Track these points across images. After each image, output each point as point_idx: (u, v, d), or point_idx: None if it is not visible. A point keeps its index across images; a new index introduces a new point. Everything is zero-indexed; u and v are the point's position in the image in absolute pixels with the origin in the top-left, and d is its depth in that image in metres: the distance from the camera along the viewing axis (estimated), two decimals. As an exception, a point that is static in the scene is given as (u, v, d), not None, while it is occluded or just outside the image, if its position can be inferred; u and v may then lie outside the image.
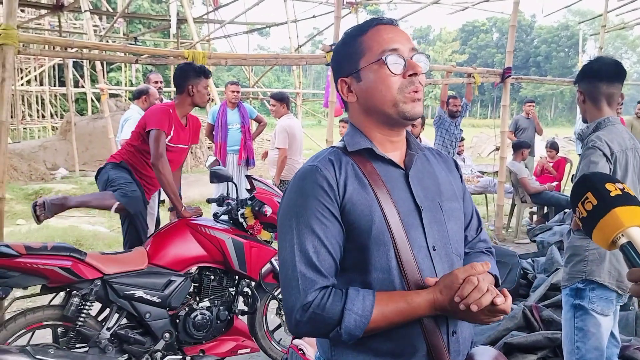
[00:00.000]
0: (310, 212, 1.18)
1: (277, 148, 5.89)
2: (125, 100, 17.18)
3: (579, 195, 1.06)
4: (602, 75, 2.39)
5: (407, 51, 1.23)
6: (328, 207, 1.19)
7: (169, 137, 3.56)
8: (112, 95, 18.19)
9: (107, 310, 2.97)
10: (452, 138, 7.12)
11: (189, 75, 3.56)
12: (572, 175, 2.56)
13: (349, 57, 1.26)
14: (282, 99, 6.19)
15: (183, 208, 3.38)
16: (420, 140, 5.24)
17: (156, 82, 6.05)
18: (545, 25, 62.27)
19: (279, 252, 1.23)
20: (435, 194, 1.29)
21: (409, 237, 1.20)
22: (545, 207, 7.53)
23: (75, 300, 2.78)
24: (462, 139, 8.44)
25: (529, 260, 5.17)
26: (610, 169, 2.28)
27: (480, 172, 9.58)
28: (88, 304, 2.82)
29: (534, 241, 6.16)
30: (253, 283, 3.41)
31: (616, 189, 1.02)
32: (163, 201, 6.21)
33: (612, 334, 2.58)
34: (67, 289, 2.85)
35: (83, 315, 2.80)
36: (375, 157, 1.27)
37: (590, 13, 26.89)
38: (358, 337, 1.14)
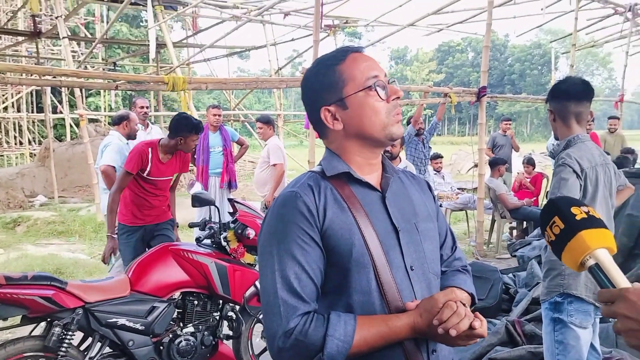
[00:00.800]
0: (291, 239, 1.20)
1: (274, 165, 5.99)
2: (105, 125, 17.05)
3: (547, 219, 1.10)
4: (571, 95, 2.49)
5: (383, 77, 1.29)
6: (309, 232, 1.21)
7: (147, 171, 3.93)
8: (91, 121, 18.06)
9: (90, 340, 2.94)
10: (420, 156, 7.22)
11: (183, 129, 3.87)
12: (547, 192, 2.64)
13: (330, 86, 1.29)
14: (268, 122, 6.40)
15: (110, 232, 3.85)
16: (400, 160, 5.31)
17: (142, 107, 6.04)
18: (519, 44, 63.70)
19: (260, 278, 1.24)
20: (411, 215, 1.33)
21: (387, 258, 1.23)
22: (525, 222, 7.63)
23: (57, 330, 2.74)
24: (440, 156, 8.56)
25: (511, 275, 5.23)
26: (580, 185, 2.36)
27: (459, 188, 9.70)
28: (70, 333, 2.78)
29: (515, 256, 6.23)
30: (237, 307, 3.41)
31: (581, 213, 1.05)
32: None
33: (592, 346, 2.62)
34: (48, 319, 2.81)
35: (65, 345, 2.76)
36: (353, 181, 1.30)
37: (561, 32, 27.63)
38: None
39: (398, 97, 1.30)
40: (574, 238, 1.02)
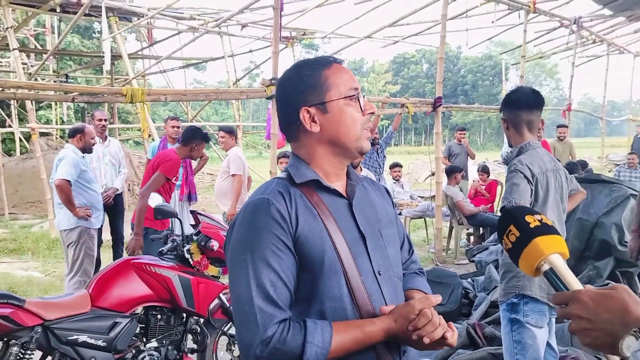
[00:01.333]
0: (265, 246, 1.20)
1: (233, 175, 5.93)
2: (57, 139, 16.55)
3: (504, 228, 1.15)
4: (522, 104, 2.61)
5: (359, 92, 1.35)
6: (282, 239, 1.21)
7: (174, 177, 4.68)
8: (42, 134, 17.47)
9: (49, 358, 2.85)
10: (375, 165, 7.33)
11: (196, 137, 4.58)
12: (501, 198, 2.74)
13: (314, 88, 1.31)
14: (231, 132, 6.45)
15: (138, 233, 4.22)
16: (361, 170, 5.39)
17: (100, 120, 5.93)
18: (471, 55, 65.54)
19: (233, 288, 1.23)
20: (375, 221, 1.37)
21: (357, 264, 1.26)
22: (481, 228, 7.84)
23: (15, 349, 2.67)
24: (399, 165, 8.71)
25: (469, 280, 5.36)
26: (531, 189, 2.47)
27: (419, 196, 9.88)
28: (28, 352, 2.71)
29: (473, 261, 6.38)
30: (202, 320, 3.37)
31: (535, 221, 1.11)
32: (102, 242, 6.02)
33: (549, 345, 2.73)
34: (5, 339, 2.72)
35: (23, 365, 2.68)
36: (321, 188, 1.32)
37: (510, 44, 28.56)
38: None
39: (372, 113, 1.35)
40: (529, 245, 1.07)
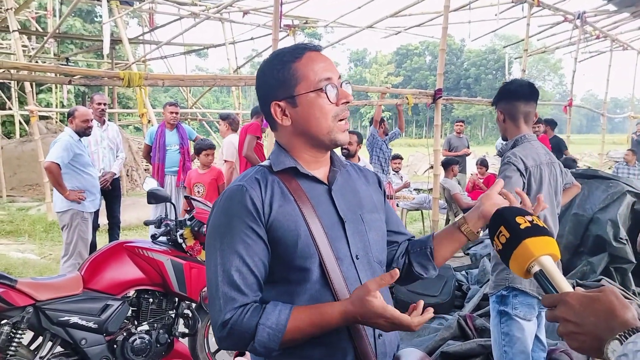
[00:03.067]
0: (235, 233, 1.23)
1: (225, 161, 6.02)
2: (56, 122, 16.53)
3: (494, 229, 1.14)
4: (520, 95, 2.59)
5: (336, 79, 1.32)
6: (252, 226, 1.24)
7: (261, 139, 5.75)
8: (42, 118, 17.44)
9: (40, 339, 2.86)
10: (385, 156, 7.34)
11: (258, 112, 5.74)
12: None
13: (283, 82, 1.30)
14: (226, 118, 6.66)
15: None
16: (359, 160, 5.37)
17: (99, 104, 5.90)
18: (474, 49, 65.27)
19: (206, 271, 1.27)
20: (356, 207, 1.37)
21: (333, 248, 1.27)
22: (478, 222, 7.83)
23: (5, 329, 2.67)
24: (400, 157, 8.72)
25: (463, 272, 5.38)
26: (523, 182, 2.46)
27: (416, 189, 9.88)
28: (19, 332, 2.71)
29: (467, 254, 6.40)
30: (194, 304, 3.38)
31: (525, 222, 1.10)
32: (99, 225, 6.03)
33: (538, 339, 2.74)
34: (-4, 318, 2.73)
35: (14, 344, 2.69)
36: (299, 175, 1.33)
37: (514, 37, 28.48)
38: (274, 349, 1.19)
39: (347, 102, 1.32)
40: (519, 246, 1.06)
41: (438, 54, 7.30)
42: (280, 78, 1.31)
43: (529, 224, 1.09)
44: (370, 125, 7.53)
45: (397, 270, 1.17)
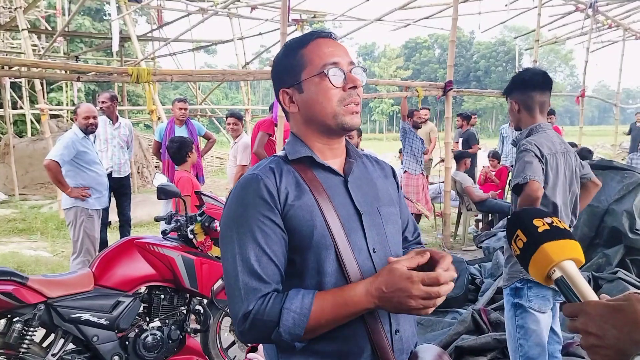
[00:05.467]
0: (252, 221, 1.20)
1: (244, 165, 6.10)
2: (67, 121, 16.61)
3: (511, 233, 1.07)
4: (535, 85, 2.53)
5: (346, 65, 1.28)
6: (269, 215, 1.21)
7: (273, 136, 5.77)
8: (53, 116, 17.54)
9: (52, 336, 2.86)
10: (418, 148, 7.31)
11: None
12: (509, 181, 2.66)
13: (291, 69, 1.30)
14: (240, 118, 6.62)
15: None
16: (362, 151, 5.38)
17: (102, 102, 5.91)
18: (484, 41, 64.79)
19: (223, 262, 1.24)
20: (373, 199, 1.34)
21: (350, 240, 1.24)
22: (490, 214, 7.77)
23: (18, 326, 2.66)
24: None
25: (477, 266, 5.32)
26: (542, 168, 2.40)
27: (430, 183, 9.81)
28: (31, 329, 2.70)
29: (480, 247, 6.34)
30: (205, 300, 3.37)
31: (544, 224, 1.02)
32: (110, 223, 6.04)
33: (553, 331, 2.69)
34: (9, 316, 2.73)
35: (26, 341, 2.69)
36: (315, 165, 1.30)
37: (525, 29, 28.16)
38: (300, 336, 1.15)
39: (355, 87, 1.28)
40: (537, 251, 1.00)
41: (447, 46, 7.23)
42: (287, 65, 1.31)
43: (547, 227, 1.02)
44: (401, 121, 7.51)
45: (428, 254, 1.14)
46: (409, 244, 1.50)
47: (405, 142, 7.32)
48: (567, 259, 0.98)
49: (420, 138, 7.45)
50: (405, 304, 1.10)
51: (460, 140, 9.02)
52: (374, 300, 1.13)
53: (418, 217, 7.27)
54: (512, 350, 2.57)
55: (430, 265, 1.16)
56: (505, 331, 2.80)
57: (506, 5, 10.90)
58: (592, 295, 0.93)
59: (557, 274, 0.97)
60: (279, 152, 1.38)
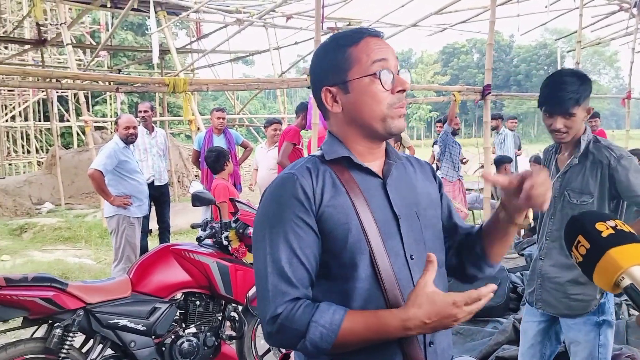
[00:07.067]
0: (285, 222, 1.17)
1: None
2: (111, 132, 17.12)
3: (571, 239, 1.01)
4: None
5: (393, 67, 1.23)
6: (303, 217, 1.17)
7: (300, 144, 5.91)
8: (97, 128, 18.13)
9: (91, 341, 2.91)
10: (456, 154, 7.22)
11: (303, 109, 5.94)
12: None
13: (336, 66, 1.23)
14: (282, 123, 6.95)
15: None
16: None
17: (140, 111, 6.07)
18: (524, 44, 63.47)
19: (254, 262, 1.21)
20: (412, 203, 1.28)
21: (386, 245, 1.19)
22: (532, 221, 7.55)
23: (58, 331, 2.72)
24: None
25: (518, 274, 5.16)
26: None
27: (467, 189, 9.63)
28: (71, 335, 2.76)
29: (522, 255, 6.17)
30: (240, 307, 3.37)
31: (608, 228, 0.96)
32: (151, 231, 6.16)
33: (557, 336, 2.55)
34: (49, 321, 2.80)
35: (66, 347, 2.74)
36: (353, 166, 1.25)
37: (566, 30, 27.49)
38: (326, 350, 1.11)
39: (404, 90, 1.23)
40: (603, 258, 0.93)
41: (485, 50, 7.09)
42: (333, 62, 1.24)
43: (612, 231, 0.95)
44: (444, 124, 7.40)
45: (494, 286, 1.08)
46: (467, 229, 1.41)
47: (445, 148, 7.21)
48: (636, 264, 0.91)
49: (459, 144, 7.33)
50: (449, 326, 1.09)
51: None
52: (411, 332, 1.10)
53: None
54: None
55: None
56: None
57: (546, 7, 10.61)
58: None
59: (627, 282, 0.90)
60: (316, 151, 1.33)
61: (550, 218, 2.40)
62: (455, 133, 7.37)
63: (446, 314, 1.06)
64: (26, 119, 19.14)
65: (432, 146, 8.70)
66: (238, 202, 3.47)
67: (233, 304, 3.32)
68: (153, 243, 6.26)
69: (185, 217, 8.38)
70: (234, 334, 3.37)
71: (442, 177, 7.06)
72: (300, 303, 1.14)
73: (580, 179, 2.32)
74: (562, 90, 2.22)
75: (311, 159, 1.27)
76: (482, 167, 7.93)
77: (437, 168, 7.45)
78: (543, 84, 2.34)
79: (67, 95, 18.67)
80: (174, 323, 3.11)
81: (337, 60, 1.23)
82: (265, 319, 1.15)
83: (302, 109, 6.01)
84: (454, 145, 7.17)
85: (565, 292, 2.34)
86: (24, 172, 17.54)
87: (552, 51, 54.20)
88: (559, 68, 21.66)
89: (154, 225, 6.25)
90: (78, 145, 17.66)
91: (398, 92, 1.22)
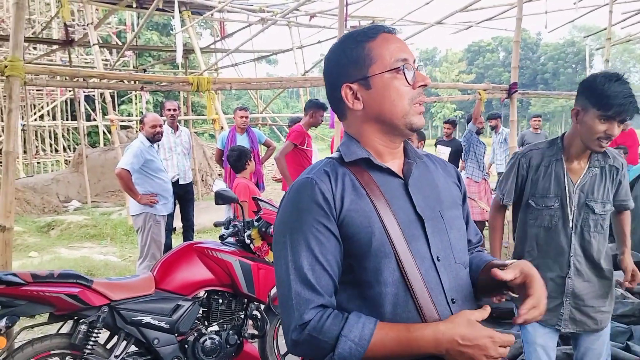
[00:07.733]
0: (306, 228, 1.15)
1: None
2: (136, 131, 17.37)
3: None
4: None
5: (412, 62, 1.22)
6: (323, 222, 1.15)
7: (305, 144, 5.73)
8: (123, 127, 18.41)
9: (115, 338, 2.94)
10: (481, 154, 7.13)
11: (311, 106, 5.74)
12: None
13: (356, 62, 1.21)
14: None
15: None
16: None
17: (169, 110, 6.12)
18: (551, 42, 62.43)
19: (275, 269, 1.19)
20: (435, 203, 1.25)
21: (411, 248, 1.16)
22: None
23: (83, 327, 2.75)
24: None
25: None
26: None
27: (492, 189, 9.49)
28: (96, 331, 2.79)
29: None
30: (262, 306, 3.37)
31: None
32: (175, 229, 6.22)
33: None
34: (75, 317, 2.83)
35: (91, 343, 2.77)
36: (372, 167, 1.23)
37: (595, 28, 26.90)
38: None
39: (425, 85, 1.22)
40: None
41: (512, 48, 6.96)
42: (353, 57, 1.22)
43: None
44: (469, 123, 7.30)
45: (512, 337, 1.09)
46: (472, 247, 1.41)
47: (469, 148, 7.12)
48: None
49: (484, 143, 7.22)
50: (478, 359, 1.07)
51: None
52: (442, 350, 1.07)
53: (482, 223, 7.03)
54: None
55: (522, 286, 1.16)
56: (568, 344, 2.61)
57: (575, 3, 10.40)
58: None
59: None
60: (334, 153, 1.31)
61: (571, 234, 2.31)
62: (479, 132, 7.26)
63: (481, 344, 1.05)
64: (54, 118, 19.53)
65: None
66: (260, 200, 3.46)
67: (255, 303, 3.31)
68: (177, 241, 6.32)
69: (208, 216, 8.43)
70: (256, 332, 3.36)
71: (467, 178, 6.98)
72: (328, 313, 1.11)
73: (602, 188, 2.29)
74: (632, 97, 2.11)
75: (329, 162, 1.25)
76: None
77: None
78: (606, 89, 2.11)
79: (93, 95, 18.99)
80: (196, 321, 3.12)
81: (357, 56, 1.22)
82: (289, 327, 1.12)
83: (311, 106, 5.83)
84: (479, 145, 7.07)
85: (598, 308, 2.35)
86: (52, 171, 17.90)
87: (581, 49, 53.18)
88: (587, 66, 21.24)
89: (178, 223, 6.30)
90: (104, 144, 17.95)
91: (419, 87, 1.21)
